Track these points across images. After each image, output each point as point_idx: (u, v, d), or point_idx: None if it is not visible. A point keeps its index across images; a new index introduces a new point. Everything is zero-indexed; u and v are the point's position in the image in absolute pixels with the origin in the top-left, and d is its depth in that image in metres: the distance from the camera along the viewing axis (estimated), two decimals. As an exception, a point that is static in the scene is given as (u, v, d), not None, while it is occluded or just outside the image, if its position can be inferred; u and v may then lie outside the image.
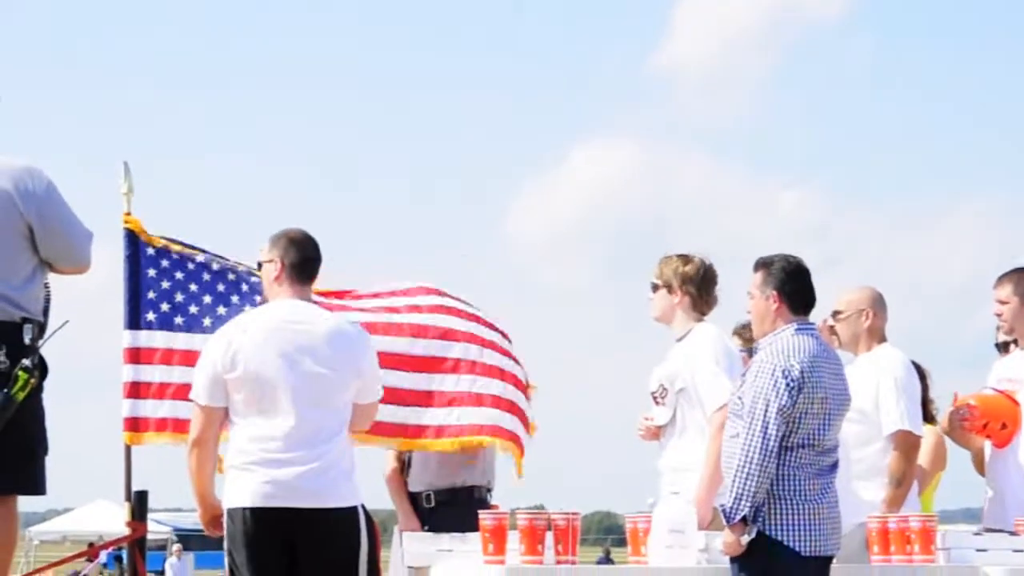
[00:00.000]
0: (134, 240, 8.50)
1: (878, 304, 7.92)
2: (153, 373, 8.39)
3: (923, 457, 8.05)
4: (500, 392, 8.60)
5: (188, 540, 47.80)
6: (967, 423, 7.96)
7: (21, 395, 6.52)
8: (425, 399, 8.50)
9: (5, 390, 6.49)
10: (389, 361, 8.18)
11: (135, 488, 8.39)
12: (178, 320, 8.45)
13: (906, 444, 7.64)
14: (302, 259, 6.79)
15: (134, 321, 8.44)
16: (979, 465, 8.30)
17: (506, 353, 8.76)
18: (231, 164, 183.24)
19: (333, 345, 6.64)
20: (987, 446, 8.11)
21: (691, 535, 6.78)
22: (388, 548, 8.73)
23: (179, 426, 8.15)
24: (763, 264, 6.83)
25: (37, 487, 6.75)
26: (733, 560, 6.58)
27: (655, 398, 7.56)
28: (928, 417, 8.26)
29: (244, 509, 6.52)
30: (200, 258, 8.56)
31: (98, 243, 6.97)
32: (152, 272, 8.49)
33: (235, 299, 8.46)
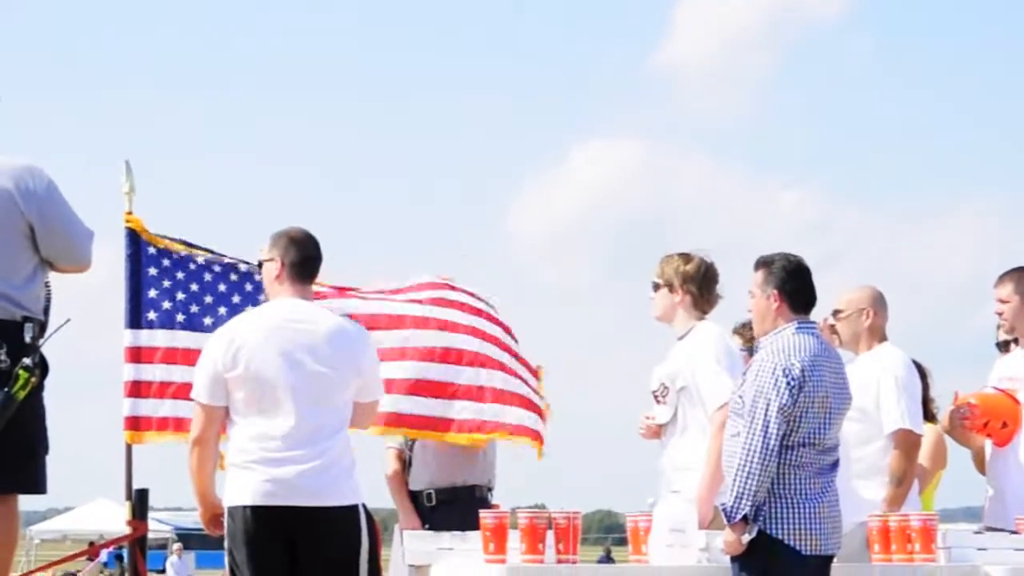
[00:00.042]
0: (135, 239, 8.50)
1: (879, 303, 7.92)
2: (154, 372, 8.40)
3: (923, 456, 8.05)
4: (502, 385, 8.61)
5: (189, 539, 47.89)
6: (968, 422, 7.96)
7: (22, 394, 6.52)
8: (444, 391, 8.54)
9: (6, 389, 6.49)
10: (415, 355, 8.30)
11: (136, 487, 8.40)
12: (179, 318, 8.46)
13: (907, 443, 7.64)
14: (302, 258, 6.79)
15: (135, 320, 8.44)
16: (980, 464, 8.30)
17: (506, 348, 8.76)
18: (231, 164, 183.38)
19: (333, 344, 6.64)
20: (988, 445, 8.12)
21: (692, 534, 6.78)
22: (389, 547, 8.73)
23: (180, 425, 8.15)
24: (764, 263, 6.83)
25: (38, 486, 6.75)
26: (734, 559, 6.58)
27: (656, 397, 7.55)
28: (929, 416, 8.26)
29: (245, 507, 6.52)
30: (201, 259, 8.56)
31: (99, 242, 6.97)
32: (153, 271, 8.49)
33: (236, 299, 8.46)
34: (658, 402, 7.55)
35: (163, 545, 45.62)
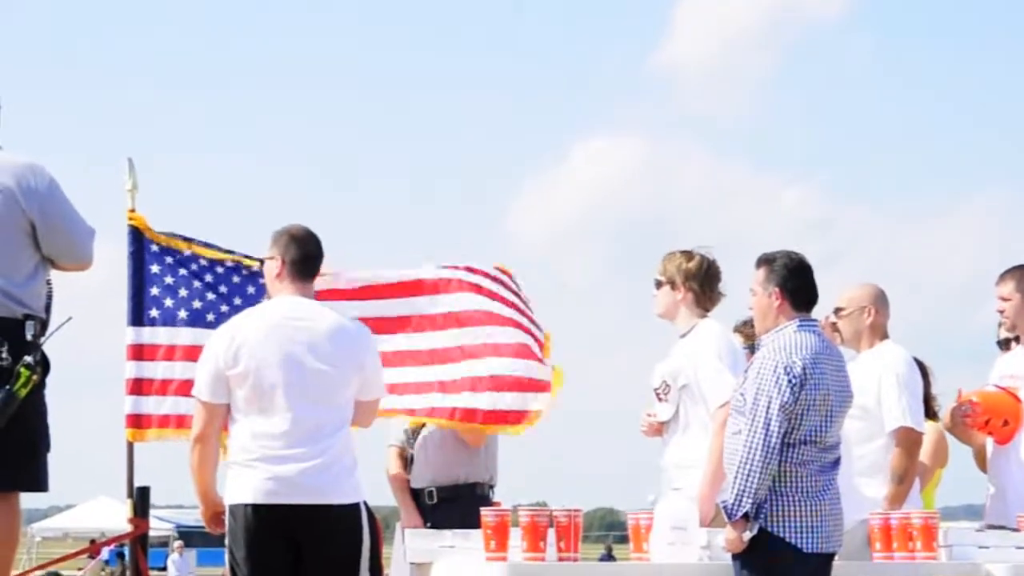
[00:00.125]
0: (138, 237, 8.49)
1: (880, 301, 7.92)
2: (156, 370, 8.39)
3: (924, 454, 8.05)
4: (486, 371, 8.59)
5: (190, 537, 47.88)
6: (969, 419, 7.97)
7: (23, 392, 6.53)
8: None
9: (7, 387, 6.49)
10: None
11: (137, 485, 8.39)
12: (181, 316, 8.45)
13: (908, 441, 7.64)
14: (303, 256, 6.80)
15: (137, 318, 8.43)
16: (981, 462, 8.30)
17: (508, 322, 8.69)
18: (231, 164, 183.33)
19: (335, 342, 6.64)
20: (989, 443, 8.12)
21: (693, 532, 6.78)
22: (390, 545, 8.73)
23: (181, 422, 8.14)
24: (765, 261, 6.83)
25: (39, 484, 6.76)
26: (735, 557, 6.58)
27: (658, 394, 7.56)
28: (930, 413, 8.27)
29: (246, 506, 6.52)
30: (204, 261, 8.55)
31: (100, 240, 6.98)
32: (156, 268, 8.48)
33: (238, 301, 8.45)
34: (660, 400, 7.55)
35: (164, 543, 45.66)
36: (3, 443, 6.49)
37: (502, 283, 8.75)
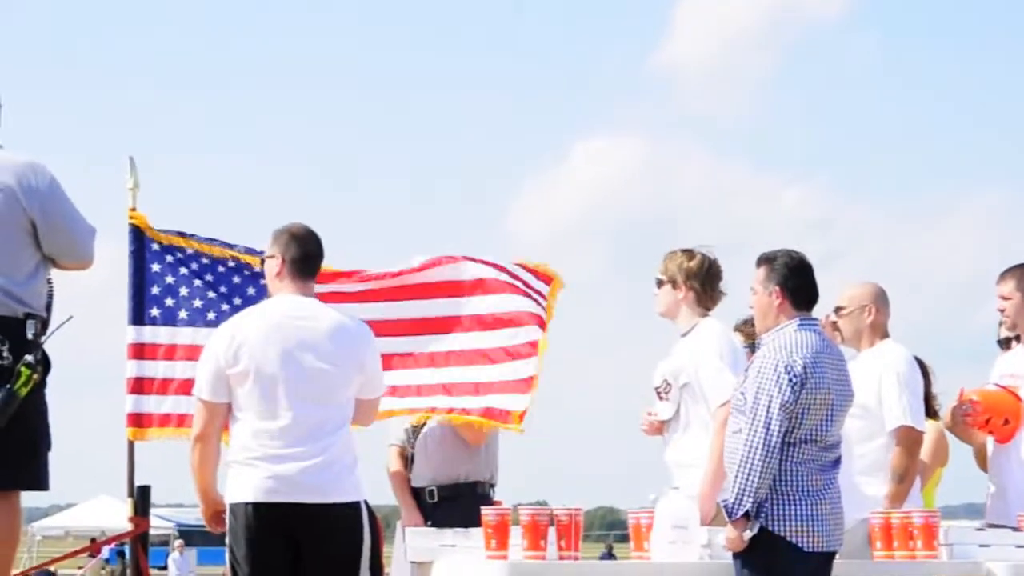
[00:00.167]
0: (139, 236, 8.49)
1: (881, 300, 7.92)
2: (156, 369, 8.39)
3: (924, 452, 8.05)
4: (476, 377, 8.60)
5: (190, 536, 47.86)
6: (969, 418, 7.97)
7: (24, 391, 6.52)
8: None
9: (8, 386, 6.49)
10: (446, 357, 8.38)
11: (138, 484, 8.39)
12: (182, 315, 8.45)
13: (908, 440, 7.64)
14: (303, 255, 6.79)
15: (138, 317, 8.43)
16: (981, 461, 8.30)
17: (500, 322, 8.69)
18: (231, 164, 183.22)
19: (335, 340, 6.64)
20: (989, 441, 8.12)
21: (694, 531, 6.78)
22: (391, 543, 8.73)
23: (182, 421, 8.15)
24: (766, 260, 6.83)
25: (40, 483, 6.75)
26: (736, 556, 6.58)
27: (659, 393, 7.56)
28: (931, 412, 8.27)
29: (246, 504, 6.52)
30: (206, 259, 8.55)
31: (101, 239, 6.98)
32: (156, 267, 8.48)
33: (238, 300, 8.45)
34: (661, 398, 7.55)
35: (165, 542, 45.63)
36: (4, 442, 6.49)
37: (520, 279, 8.75)
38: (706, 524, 6.92)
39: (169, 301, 8.46)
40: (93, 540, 36.14)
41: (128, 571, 9.01)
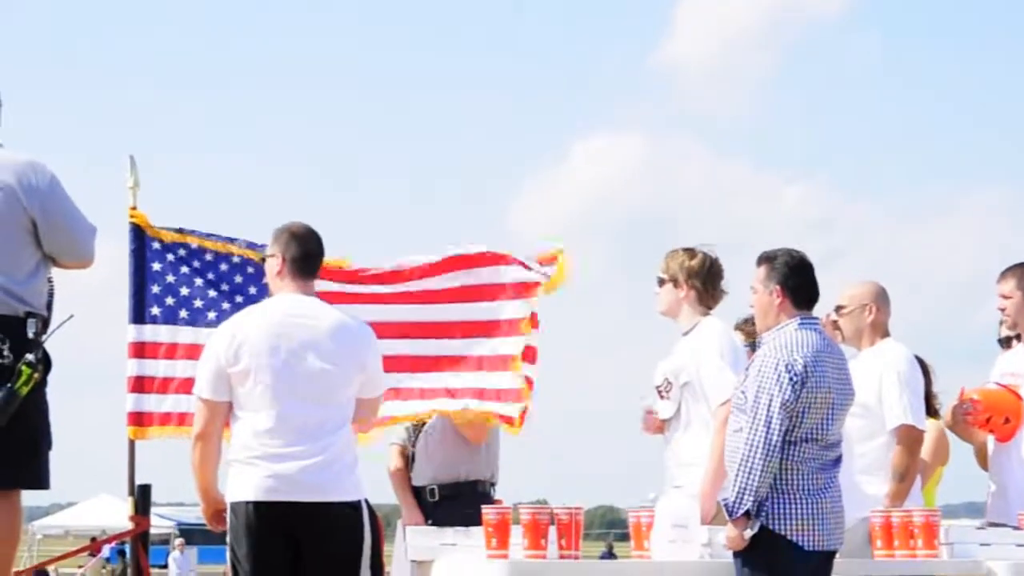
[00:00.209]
0: (140, 234, 8.49)
1: (881, 299, 7.92)
2: (157, 367, 8.39)
3: (925, 451, 8.05)
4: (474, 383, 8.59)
5: (191, 535, 47.84)
6: (970, 417, 7.97)
7: (25, 390, 6.52)
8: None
9: (8, 385, 6.49)
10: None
11: (138, 482, 8.40)
12: (182, 314, 8.45)
13: (909, 439, 7.64)
14: (303, 254, 6.79)
15: (139, 316, 8.44)
16: (982, 460, 8.30)
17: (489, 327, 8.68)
18: (231, 164, 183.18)
19: (336, 340, 6.64)
20: (990, 440, 8.12)
21: (694, 530, 6.78)
22: (392, 542, 8.73)
23: (183, 420, 8.16)
24: (766, 259, 6.83)
25: (40, 481, 6.75)
26: (736, 555, 6.58)
27: (660, 392, 7.56)
28: (931, 411, 8.27)
29: (247, 503, 6.52)
30: (209, 256, 8.55)
31: (102, 238, 6.97)
32: (157, 266, 8.48)
33: (239, 299, 8.45)
34: (662, 397, 7.55)
35: (165, 540, 45.62)
36: (5, 441, 6.49)
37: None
38: (706, 523, 6.92)
39: (170, 300, 8.46)
40: (94, 539, 36.12)
41: (129, 570, 9.00)
